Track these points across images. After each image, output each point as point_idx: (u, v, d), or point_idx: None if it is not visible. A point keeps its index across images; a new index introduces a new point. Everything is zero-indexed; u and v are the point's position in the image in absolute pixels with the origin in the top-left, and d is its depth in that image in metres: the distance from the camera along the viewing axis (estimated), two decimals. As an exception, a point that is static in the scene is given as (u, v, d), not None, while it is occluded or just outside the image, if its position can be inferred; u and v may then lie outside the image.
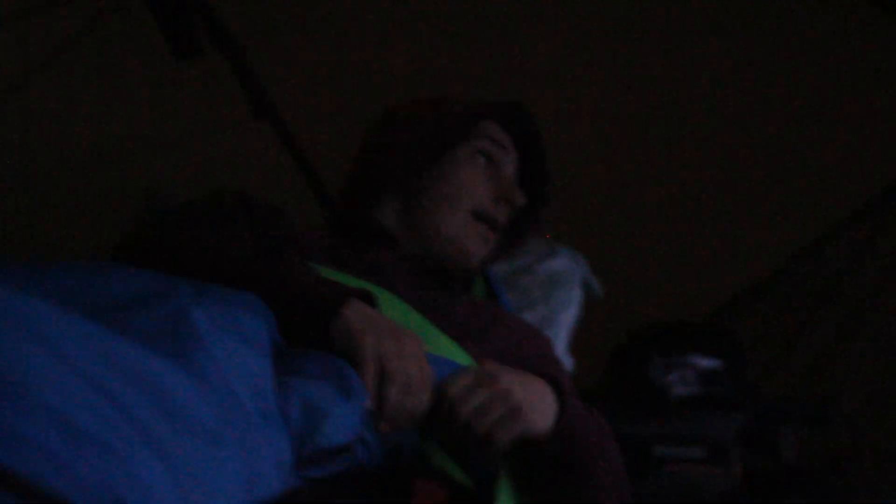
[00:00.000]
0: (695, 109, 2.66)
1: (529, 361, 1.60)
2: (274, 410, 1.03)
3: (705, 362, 2.70)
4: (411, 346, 1.25)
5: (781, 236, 3.00)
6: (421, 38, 2.54)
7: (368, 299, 1.30)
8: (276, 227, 1.58)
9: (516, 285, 2.52)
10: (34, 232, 2.45)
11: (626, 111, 2.70)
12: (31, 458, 0.77)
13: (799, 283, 3.07)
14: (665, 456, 2.57)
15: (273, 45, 2.62)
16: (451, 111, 1.70)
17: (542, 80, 2.59)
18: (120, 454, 0.82)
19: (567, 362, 2.50)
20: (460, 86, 2.06)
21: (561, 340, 2.51)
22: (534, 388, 1.34)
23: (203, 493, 0.88)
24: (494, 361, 1.39)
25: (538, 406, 1.32)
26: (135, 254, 1.40)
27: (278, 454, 1.00)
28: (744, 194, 2.85)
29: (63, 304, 0.93)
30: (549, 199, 1.76)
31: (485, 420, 1.26)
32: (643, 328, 2.85)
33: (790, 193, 2.83)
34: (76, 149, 2.45)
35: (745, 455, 2.61)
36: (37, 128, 2.33)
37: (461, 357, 1.45)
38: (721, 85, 2.59)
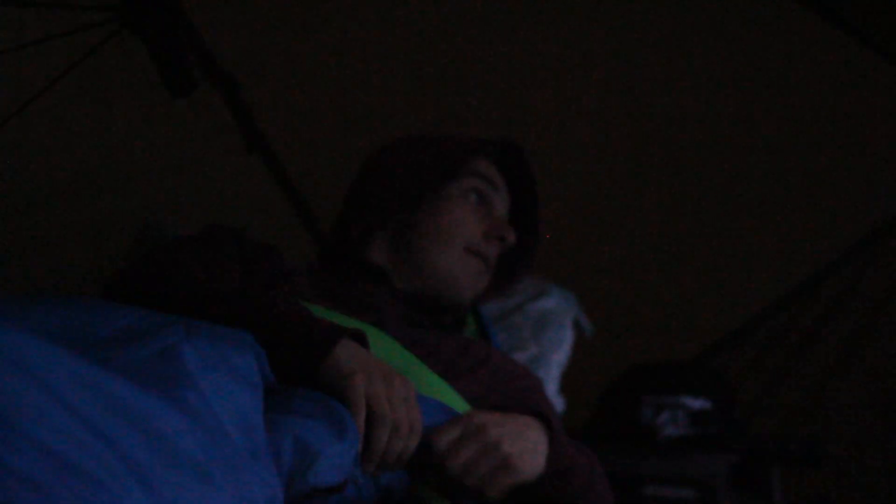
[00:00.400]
0: (685, 152, 2.67)
1: (518, 401, 1.60)
2: (264, 448, 1.03)
3: (696, 403, 2.70)
4: (402, 388, 1.24)
5: (770, 276, 3.01)
6: (413, 75, 2.55)
7: (360, 339, 1.29)
8: (267, 263, 1.58)
9: (507, 325, 2.52)
10: (28, 260, 2.45)
11: (616, 153, 2.71)
12: (20, 491, 0.77)
13: (785, 324, 3.08)
14: (655, 496, 2.57)
15: (266, 79, 2.63)
16: (443, 149, 1.71)
17: (537, 105, 2.60)
18: (109, 489, 0.82)
19: (558, 403, 2.50)
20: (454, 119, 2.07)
21: (552, 380, 2.51)
22: (522, 432, 1.34)
23: (192, 529, 0.87)
24: (482, 409, 1.38)
25: (528, 453, 1.32)
26: (126, 289, 1.39)
27: (269, 492, 1.00)
28: (734, 235, 2.86)
29: (53, 339, 0.93)
30: (540, 237, 1.77)
31: (475, 474, 1.26)
32: (633, 368, 2.85)
33: (779, 234, 2.84)
34: (70, 178, 2.45)
35: (735, 495, 2.61)
36: (30, 158, 2.34)
37: (449, 396, 1.45)
38: (711, 126, 2.60)
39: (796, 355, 3.04)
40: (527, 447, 1.32)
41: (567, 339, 2.57)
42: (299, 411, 1.13)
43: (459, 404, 1.48)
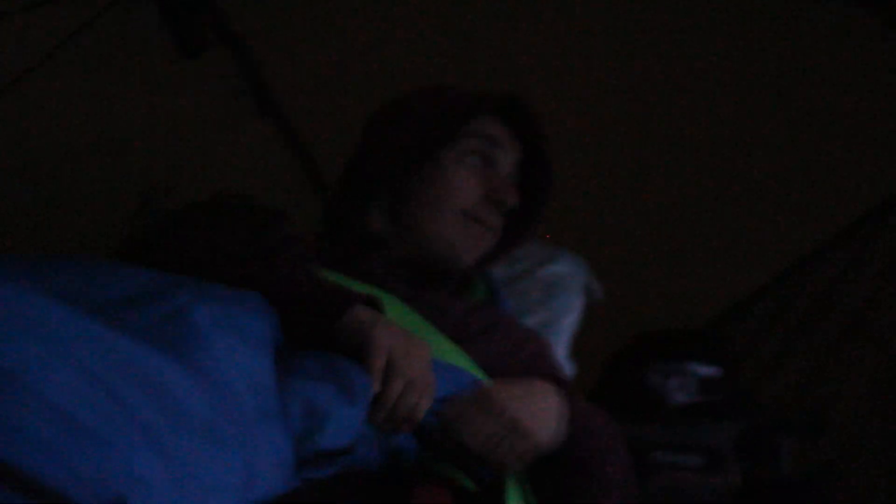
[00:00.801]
0: (695, 118, 2.65)
1: (529, 365, 1.60)
2: (274, 409, 1.03)
3: (704, 370, 2.70)
4: (419, 348, 1.25)
5: (779, 245, 3.00)
6: (426, 36, 2.54)
7: (375, 304, 1.29)
8: (277, 229, 1.58)
9: (516, 290, 2.51)
10: (33, 227, 2.45)
11: (626, 119, 2.69)
12: (31, 452, 0.77)
13: (793, 292, 3.07)
14: (663, 463, 2.57)
15: (277, 42, 2.62)
16: (440, 110, 1.65)
17: (543, 78, 2.58)
18: (119, 450, 0.82)
19: (568, 368, 2.50)
20: (464, 79, 2.05)
21: (561, 345, 2.51)
22: (532, 396, 1.34)
23: (201, 489, 0.88)
24: (493, 375, 1.38)
25: (540, 416, 1.31)
26: (136, 253, 1.40)
27: (278, 453, 1.00)
28: (743, 203, 2.85)
29: (64, 300, 0.93)
30: (550, 196, 1.71)
31: (487, 443, 1.26)
32: (643, 334, 2.85)
33: (787, 204, 2.83)
34: (77, 144, 2.45)
35: (742, 463, 2.61)
36: (36, 123, 2.33)
37: (462, 360, 1.45)
38: (722, 94, 2.58)
39: (804, 324, 3.04)
40: (537, 410, 1.32)
41: (577, 304, 2.56)
42: (309, 374, 1.13)
43: (472, 368, 1.47)
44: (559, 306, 2.52)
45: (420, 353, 1.25)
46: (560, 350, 2.48)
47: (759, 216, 2.88)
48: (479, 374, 1.45)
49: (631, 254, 2.95)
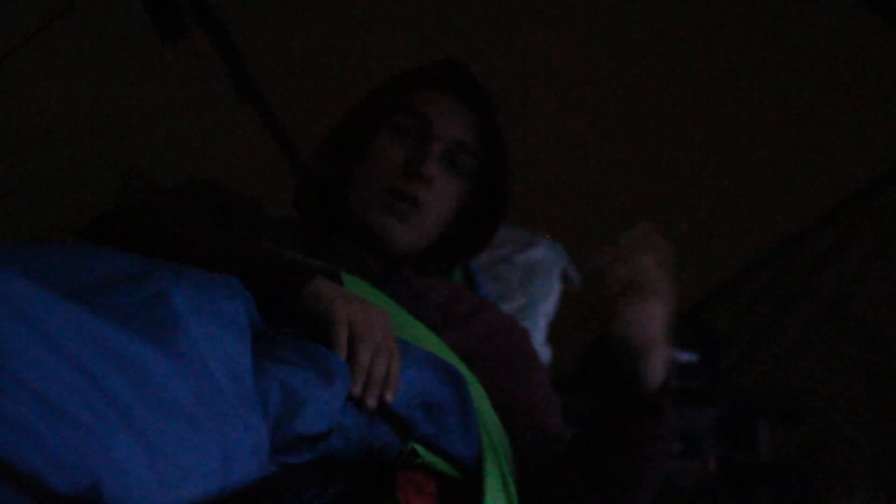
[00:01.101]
0: (678, 105, 2.66)
1: (508, 352, 1.60)
2: (252, 394, 1.03)
3: (682, 356, 2.72)
4: (379, 316, 1.26)
5: (758, 231, 3.02)
6: (413, 22, 2.53)
7: (334, 277, 1.31)
8: (247, 215, 1.59)
9: (495, 275, 2.52)
10: (11, 205, 2.44)
11: (607, 104, 2.70)
12: (8, 435, 0.77)
13: (773, 278, 3.09)
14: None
15: (258, 26, 2.61)
16: (377, 93, 1.66)
17: (532, 68, 2.59)
18: (97, 433, 0.83)
19: (545, 353, 2.51)
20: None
21: (539, 331, 2.52)
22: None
23: (178, 473, 0.88)
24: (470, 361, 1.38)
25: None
26: (102, 235, 1.40)
27: (255, 438, 1.00)
28: (722, 188, 2.86)
29: (44, 283, 0.93)
30: (507, 170, 1.67)
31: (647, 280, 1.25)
32: (621, 319, 2.86)
33: (768, 188, 2.84)
34: (56, 127, 2.44)
35: (720, 448, 2.63)
36: (14, 106, 2.32)
37: (436, 346, 1.45)
38: (705, 81, 2.59)
39: (783, 309, 3.06)
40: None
41: (555, 289, 2.57)
42: (288, 359, 1.13)
43: (446, 355, 1.48)
44: (537, 291, 2.53)
45: (381, 321, 1.26)
46: (538, 335, 2.49)
47: (741, 199, 2.89)
48: (453, 360, 1.45)
49: (611, 237, 2.96)
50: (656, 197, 2.90)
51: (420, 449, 1.29)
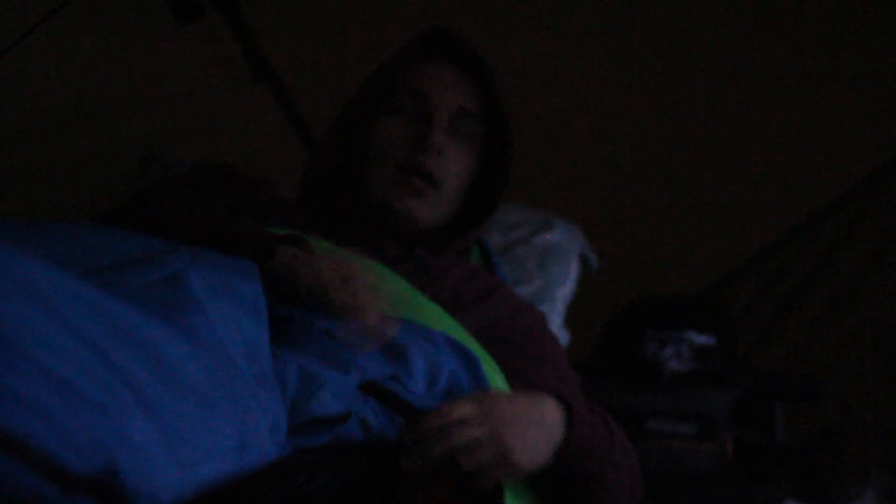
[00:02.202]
0: (692, 86, 2.65)
1: (523, 334, 1.59)
2: (269, 375, 1.03)
3: (700, 338, 2.71)
4: (350, 269, 1.28)
5: (775, 212, 3.01)
6: (425, 4, 2.53)
7: (299, 244, 1.32)
8: (256, 197, 1.59)
9: (512, 257, 2.51)
10: (29, 189, 2.45)
11: (623, 88, 2.69)
12: (23, 416, 0.77)
13: (789, 259, 3.08)
14: (657, 430, 2.58)
15: (273, 7, 2.60)
16: (377, 71, 1.66)
17: (540, 50, 2.58)
18: (112, 414, 0.82)
19: (563, 336, 2.51)
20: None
21: (557, 314, 2.51)
22: (535, 423, 1.29)
23: (195, 454, 0.88)
24: (498, 392, 1.36)
25: (532, 448, 1.27)
26: (117, 221, 1.42)
27: (272, 419, 1.00)
28: (739, 171, 2.85)
29: (59, 263, 0.93)
30: (511, 136, 1.66)
31: (471, 460, 1.21)
32: (638, 302, 2.85)
33: (785, 170, 2.83)
34: (73, 106, 2.44)
35: (736, 430, 2.62)
36: (33, 85, 2.32)
37: (451, 327, 1.44)
38: (719, 63, 2.58)
39: (800, 292, 3.05)
40: (534, 442, 1.27)
41: (572, 272, 2.56)
42: (305, 350, 1.13)
43: (461, 336, 1.47)
44: (554, 274, 2.52)
45: (353, 272, 1.27)
46: (555, 318, 2.49)
47: (756, 184, 2.88)
48: (467, 340, 1.45)
49: (626, 221, 2.95)
50: (671, 182, 2.89)
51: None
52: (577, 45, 2.57)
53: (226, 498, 0.92)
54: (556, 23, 2.53)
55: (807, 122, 2.67)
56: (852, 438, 2.82)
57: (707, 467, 2.58)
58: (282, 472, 1.03)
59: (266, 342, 1.06)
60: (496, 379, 1.45)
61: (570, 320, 2.57)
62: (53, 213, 2.49)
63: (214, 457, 0.90)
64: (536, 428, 1.29)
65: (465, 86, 1.63)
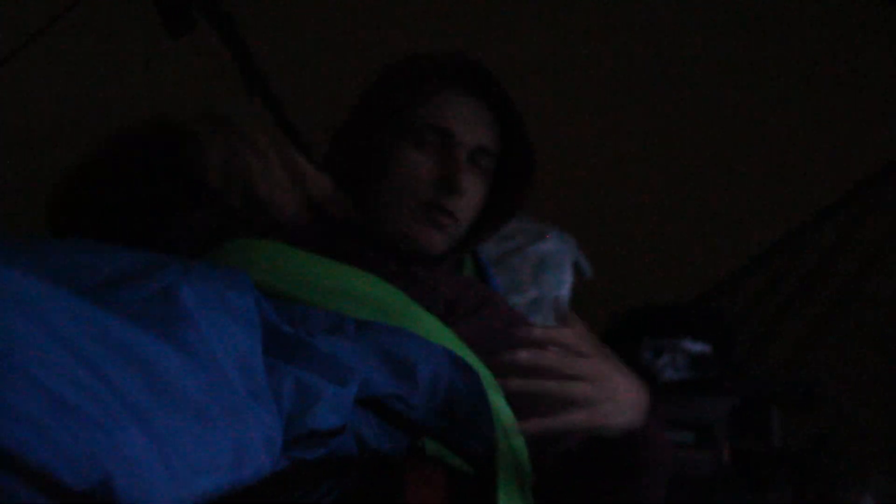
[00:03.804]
0: (685, 95, 2.66)
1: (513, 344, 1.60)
2: (264, 388, 1.03)
3: (696, 346, 2.71)
4: (254, 129, 1.28)
5: (770, 218, 3.01)
6: (422, 14, 2.53)
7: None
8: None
9: (506, 267, 2.52)
10: (24, 201, 2.44)
11: (616, 93, 2.69)
12: (18, 430, 0.77)
13: (785, 265, 3.08)
14: (654, 438, 2.58)
15: (267, 20, 2.61)
16: (392, 95, 1.64)
17: (534, 60, 2.58)
18: (106, 428, 0.82)
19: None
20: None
21: (552, 323, 2.51)
22: (629, 391, 1.29)
23: (190, 468, 0.88)
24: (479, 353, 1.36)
25: (619, 410, 1.26)
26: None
27: (267, 432, 1.00)
28: (733, 177, 2.86)
29: (53, 279, 0.93)
30: (532, 168, 1.69)
31: (577, 393, 1.20)
32: (633, 310, 2.86)
33: (779, 176, 2.84)
34: (68, 119, 2.44)
35: (733, 437, 2.63)
36: (28, 98, 2.33)
37: (448, 339, 1.45)
38: (711, 72, 2.58)
39: (795, 297, 3.05)
40: (628, 408, 1.27)
41: (566, 281, 2.57)
42: (302, 363, 1.13)
43: (459, 348, 1.47)
44: (549, 283, 2.53)
45: (253, 135, 1.27)
46: (550, 327, 2.48)
47: (752, 189, 2.89)
48: (465, 352, 1.45)
49: (621, 230, 2.96)
50: (665, 187, 2.90)
51: (428, 443, 1.28)
52: (568, 51, 2.57)
53: (221, 512, 0.92)
54: (543, 26, 2.53)
55: (803, 126, 2.67)
56: (850, 442, 2.83)
57: (705, 474, 2.58)
58: (278, 485, 1.04)
59: (259, 355, 1.06)
60: (494, 392, 1.45)
61: (566, 329, 2.57)
62: (42, 228, 2.49)
63: (210, 471, 0.90)
64: (628, 400, 1.29)
65: (487, 120, 1.65)
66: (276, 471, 1.03)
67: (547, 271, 2.54)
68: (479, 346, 1.51)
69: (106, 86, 2.47)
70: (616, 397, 1.24)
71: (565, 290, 2.57)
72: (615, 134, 2.78)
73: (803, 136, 2.70)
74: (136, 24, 2.35)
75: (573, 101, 2.68)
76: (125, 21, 2.36)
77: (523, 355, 1.21)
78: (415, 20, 2.55)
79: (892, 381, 2.83)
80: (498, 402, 1.44)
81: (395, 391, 1.23)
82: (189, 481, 0.88)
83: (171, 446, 0.87)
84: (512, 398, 1.27)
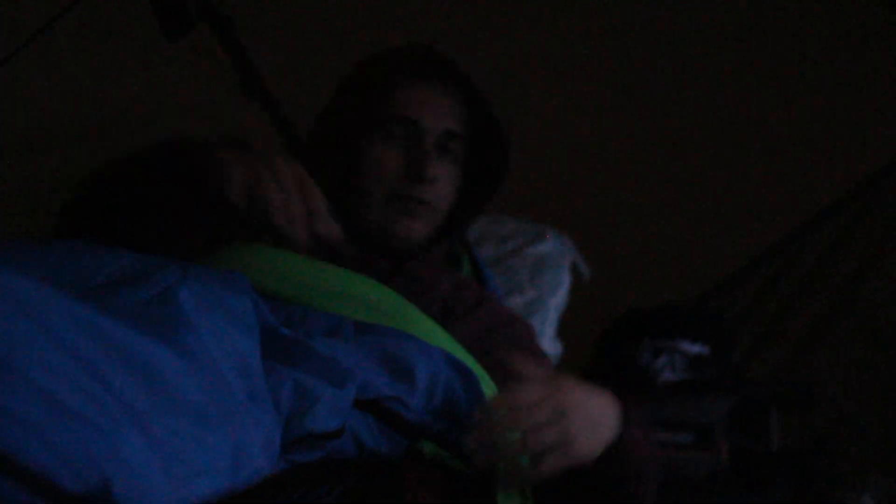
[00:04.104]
0: (684, 95, 2.65)
1: (508, 346, 1.60)
2: (262, 390, 1.03)
3: (694, 348, 2.71)
4: (284, 164, 1.28)
5: (769, 220, 3.01)
6: (420, 16, 2.53)
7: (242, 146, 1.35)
8: None
9: (504, 268, 2.52)
10: (22, 205, 2.44)
11: (614, 94, 2.69)
12: (18, 433, 0.77)
13: (784, 266, 3.08)
14: (653, 439, 2.58)
15: (265, 23, 2.61)
16: (359, 92, 1.66)
17: (532, 61, 2.58)
18: (105, 431, 0.82)
19: (556, 347, 2.51)
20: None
21: (549, 324, 2.51)
22: (596, 409, 1.29)
23: (188, 471, 0.88)
24: (567, 377, 1.33)
25: (593, 434, 1.25)
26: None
27: (266, 434, 1.00)
28: (732, 178, 2.85)
29: (52, 282, 0.93)
30: (508, 151, 1.69)
31: (535, 442, 1.19)
32: (632, 312, 2.86)
33: (777, 178, 2.83)
34: (65, 122, 2.44)
35: (732, 438, 2.63)
36: (25, 102, 2.32)
37: (445, 340, 1.45)
38: (710, 72, 2.58)
39: (794, 298, 3.05)
40: (596, 432, 1.26)
41: (564, 282, 2.57)
42: (300, 366, 1.14)
43: (455, 349, 1.48)
44: (547, 285, 2.53)
45: (285, 167, 1.27)
46: (548, 329, 2.49)
47: (750, 190, 2.88)
48: (461, 353, 1.45)
49: (619, 231, 2.95)
50: (665, 186, 2.89)
51: (427, 446, 1.28)
52: (567, 51, 2.57)
53: (220, 514, 0.92)
54: (543, 27, 2.53)
55: (801, 127, 2.67)
56: (849, 443, 2.83)
57: (704, 475, 2.58)
58: (276, 487, 1.04)
59: (258, 357, 1.06)
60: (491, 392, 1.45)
61: (564, 331, 2.57)
62: (45, 229, 2.49)
63: (208, 473, 0.90)
64: (599, 418, 1.28)
65: (451, 105, 1.66)
66: (273, 473, 1.03)
67: (545, 273, 2.54)
68: (476, 347, 1.51)
69: (104, 88, 2.46)
70: (586, 425, 1.24)
71: (563, 292, 2.57)
72: (613, 136, 2.78)
73: (802, 137, 2.70)
74: (134, 26, 2.35)
75: (571, 102, 2.68)
76: (123, 23, 2.36)
77: (481, 439, 1.19)
78: (413, 22, 2.55)
79: (892, 381, 2.83)
80: None
81: (394, 393, 1.23)
82: (187, 484, 0.88)
83: (170, 449, 0.87)
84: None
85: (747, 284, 3.16)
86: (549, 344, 2.42)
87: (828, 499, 2.67)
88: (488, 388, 1.47)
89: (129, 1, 2.20)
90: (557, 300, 2.54)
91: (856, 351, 2.91)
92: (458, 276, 1.71)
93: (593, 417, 1.26)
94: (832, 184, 2.89)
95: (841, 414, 2.85)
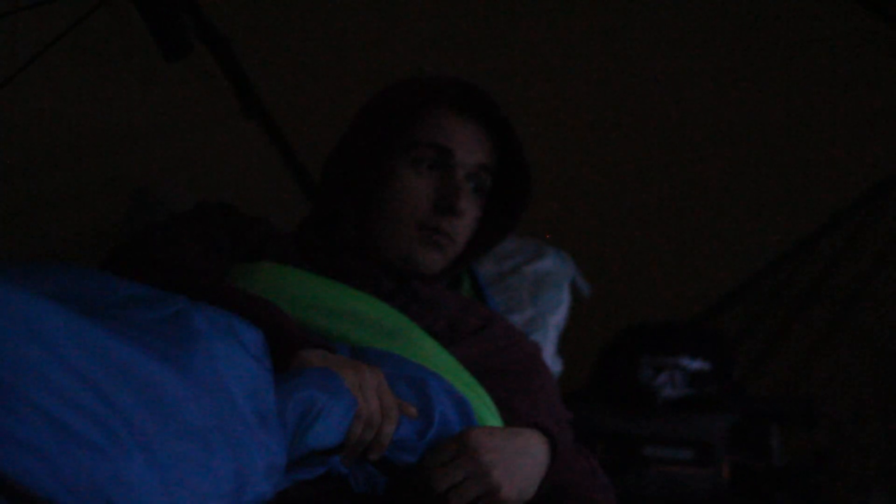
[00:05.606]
0: (683, 111, 2.66)
1: (515, 367, 1.61)
2: (272, 412, 1.03)
3: (694, 364, 2.71)
4: (372, 378, 1.25)
5: (767, 236, 3.01)
6: (417, 33, 2.53)
7: (324, 347, 1.32)
8: (256, 234, 1.61)
9: (504, 287, 2.52)
10: (22, 226, 2.44)
11: (614, 111, 2.69)
12: (20, 457, 0.77)
13: (783, 283, 3.08)
14: (654, 456, 2.58)
15: (262, 42, 2.61)
16: (392, 117, 1.63)
17: (533, 76, 2.58)
18: (109, 455, 0.82)
19: (556, 364, 2.51)
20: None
21: (550, 342, 2.51)
22: (520, 456, 1.33)
23: (191, 495, 0.88)
24: (481, 428, 1.36)
25: (519, 481, 1.31)
26: (120, 268, 1.42)
27: (270, 458, 1.00)
28: (731, 194, 2.85)
29: (71, 300, 0.93)
30: (528, 188, 1.69)
31: (460, 499, 1.27)
32: (632, 328, 2.85)
33: (776, 194, 2.83)
34: (64, 143, 2.44)
35: (733, 455, 2.62)
36: (24, 122, 2.32)
37: (446, 363, 1.45)
38: (709, 88, 2.58)
39: (794, 314, 3.05)
40: (519, 475, 1.32)
41: (564, 300, 2.57)
42: (299, 378, 1.14)
43: (456, 370, 1.48)
44: (546, 303, 2.53)
45: (373, 383, 1.25)
46: (548, 346, 2.49)
47: (748, 206, 2.88)
48: (463, 374, 1.45)
49: (618, 249, 2.96)
50: (664, 203, 2.90)
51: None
52: (567, 63, 2.57)
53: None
54: (556, 39, 2.52)
55: (800, 143, 2.67)
56: (851, 459, 2.82)
57: (705, 492, 2.58)
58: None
59: (269, 382, 1.06)
60: (488, 418, 1.46)
61: (564, 349, 2.57)
62: (45, 249, 2.49)
63: (211, 498, 0.90)
64: (522, 461, 1.33)
65: (485, 141, 1.65)
66: (277, 492, 1.03)
67: (545, 291, 2.54)
68: (480, 366, 1.52)
69: (103, 110, 2.47)
70: (507, 471, 1.30)
71: (563, 309, 2.57)
72: (612, 153, 2.78)
73: (801, 154, 2.70)
74: (133, 48, 2.35)
75: (571, 117, 2.68)
76: (122, 45, 2.37)
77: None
78: (410, 44, 2.55)
79: (892, 398, 2.82)
80: (492, 421, 1.46)
81: (409, 433, 1.25)
82: (191, 509, 0.88)
83: (173, 473, 0.87)
84: None
85: (747, 300, 3.16)
86: (550, 361, 2.42)
87: (830, 515, 2.67)
88: (488, 409, 1.48)
89: (128, 23, 2.21)
90: (557, 318, 2.54)
91: (856, 366, 2.91)
92: (460, 297, 1.71)
93: (516, 461, 1.32)
94: (832, 200, 2.89)
95: (842, 430, 2.84)
